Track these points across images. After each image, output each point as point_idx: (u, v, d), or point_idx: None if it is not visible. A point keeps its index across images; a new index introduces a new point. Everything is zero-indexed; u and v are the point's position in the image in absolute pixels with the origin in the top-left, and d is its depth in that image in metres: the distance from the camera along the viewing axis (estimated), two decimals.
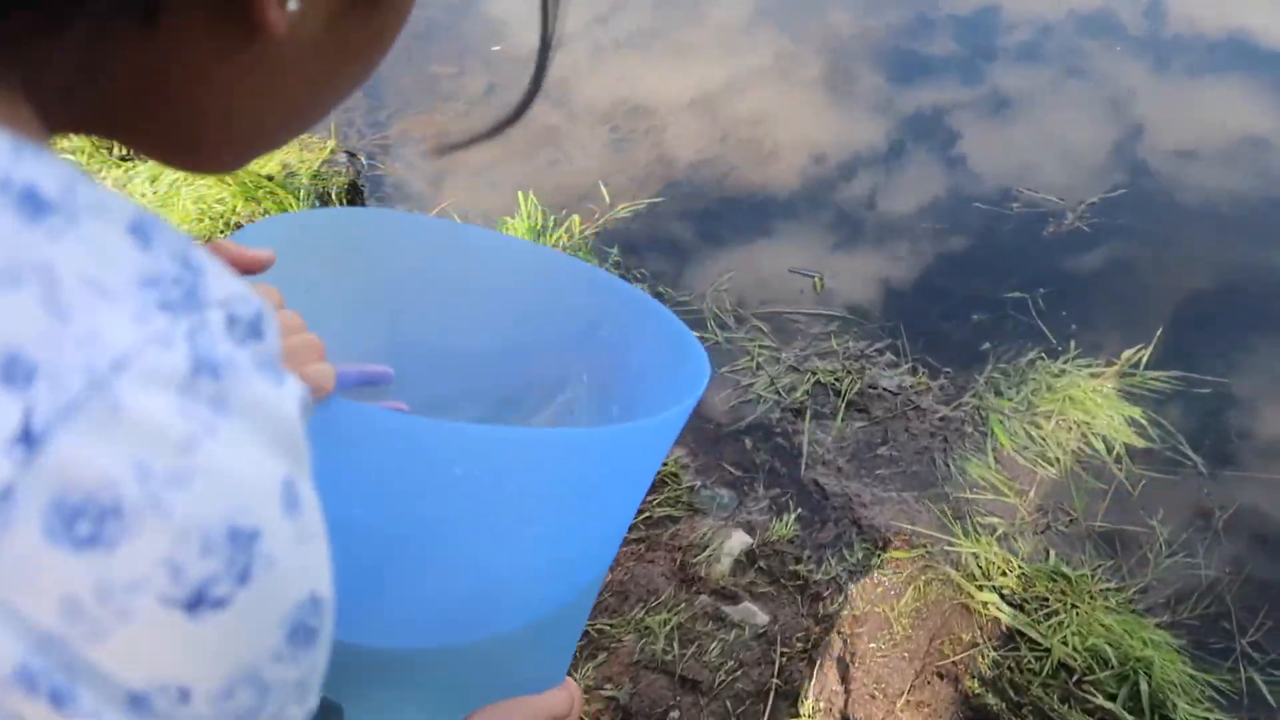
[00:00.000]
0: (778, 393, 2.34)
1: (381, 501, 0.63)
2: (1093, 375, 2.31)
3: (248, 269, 0.59)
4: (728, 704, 1.76)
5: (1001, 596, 1.89)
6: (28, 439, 0.25)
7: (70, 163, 0.29)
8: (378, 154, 3.18)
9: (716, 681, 1.79)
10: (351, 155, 3.08)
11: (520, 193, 2.69)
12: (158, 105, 0.35)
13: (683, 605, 1.91)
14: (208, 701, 0.29)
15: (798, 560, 2.01)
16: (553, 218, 2.73)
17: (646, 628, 1.86)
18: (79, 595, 0.26)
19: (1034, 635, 1.80)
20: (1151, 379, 2.29)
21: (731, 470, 2.19)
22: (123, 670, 0.28)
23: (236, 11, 0.32)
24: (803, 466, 2.19)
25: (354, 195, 2.92)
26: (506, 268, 0.84)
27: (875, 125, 3.13)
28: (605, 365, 0.84)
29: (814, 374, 2.36)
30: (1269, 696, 1.78)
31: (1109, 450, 2.17)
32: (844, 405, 2.29)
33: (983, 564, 1.94)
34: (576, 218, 2.76)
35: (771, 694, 1.77)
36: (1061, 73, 3.26)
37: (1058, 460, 2.16)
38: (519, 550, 0.69)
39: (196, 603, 0.28)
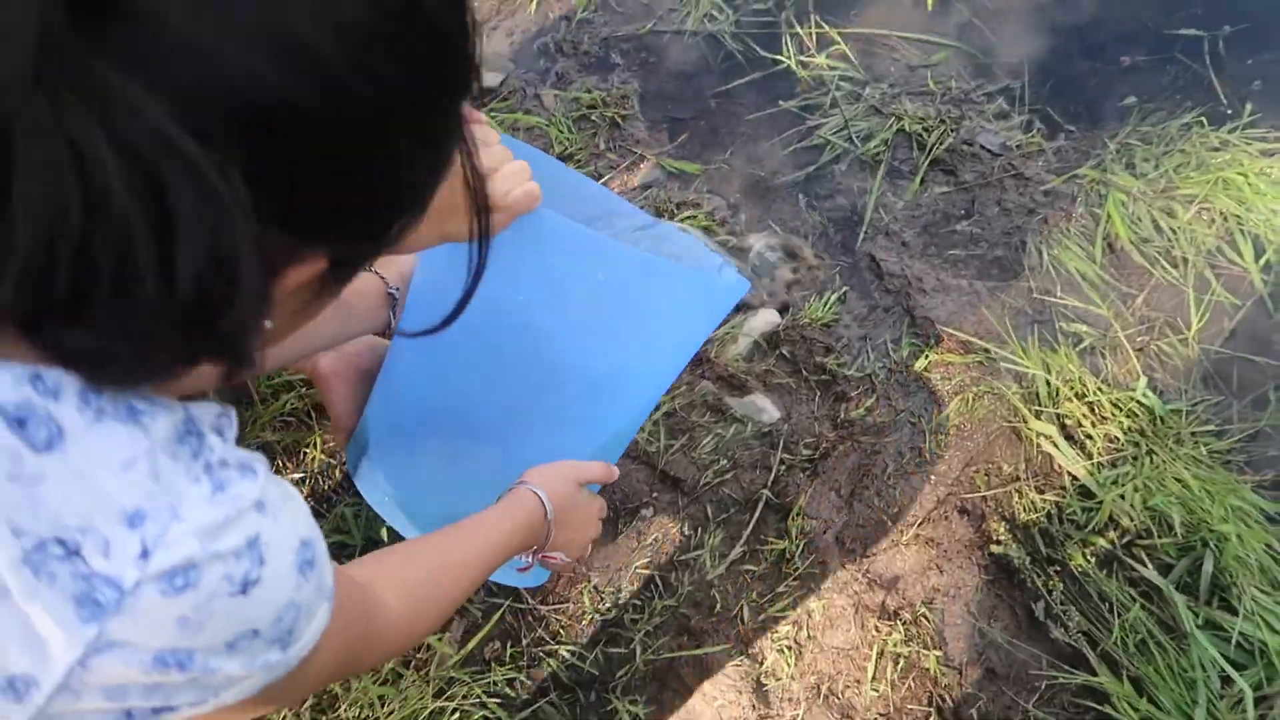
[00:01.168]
0: (850, 139, 1.91)
1: (555, 284, 1.06)
2: (1265, 153, 1.78)
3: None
4: (708, 508, 1.55)
5: (1063, 428, 1.55)
6: (144, 554, 0.45)
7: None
8: None
9: (701, 481, 1.56)
10: None
11: None
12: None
13: (682, 389, 1.66)
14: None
15: (829, 350, 1.70)
16: None
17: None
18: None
19: (1088, 482, 1.48)
20: None
21: (776, 229, 1.84)
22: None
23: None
24: (861, 236, 1.81)
25: None
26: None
27: None
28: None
29: (899, 119, 1.90)
30: None
31: (1258, 256, 1.70)
32: (926, 163, 1.85)
33: (1052, 384, 1.59)
34: None
35: (760, 505, 1.54)
36: None
37: (1185, 260, 1.71)
38: (622, 345, 1.11)
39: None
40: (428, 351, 1.11)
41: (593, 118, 1.98)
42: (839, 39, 2.02)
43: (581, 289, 1.09)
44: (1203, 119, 1.84)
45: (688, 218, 1.82)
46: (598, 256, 1.07)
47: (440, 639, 1.42)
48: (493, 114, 1.99)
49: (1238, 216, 1.72)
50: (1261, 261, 1.69)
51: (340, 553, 1.46)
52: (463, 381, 1.16)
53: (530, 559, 1.02)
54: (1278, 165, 1.75)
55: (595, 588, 1.48)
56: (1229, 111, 1.85)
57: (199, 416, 0.50)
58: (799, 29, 2.04)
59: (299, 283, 0.48)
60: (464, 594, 0.87)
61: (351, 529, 1.47)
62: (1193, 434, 1.54)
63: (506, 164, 0.96)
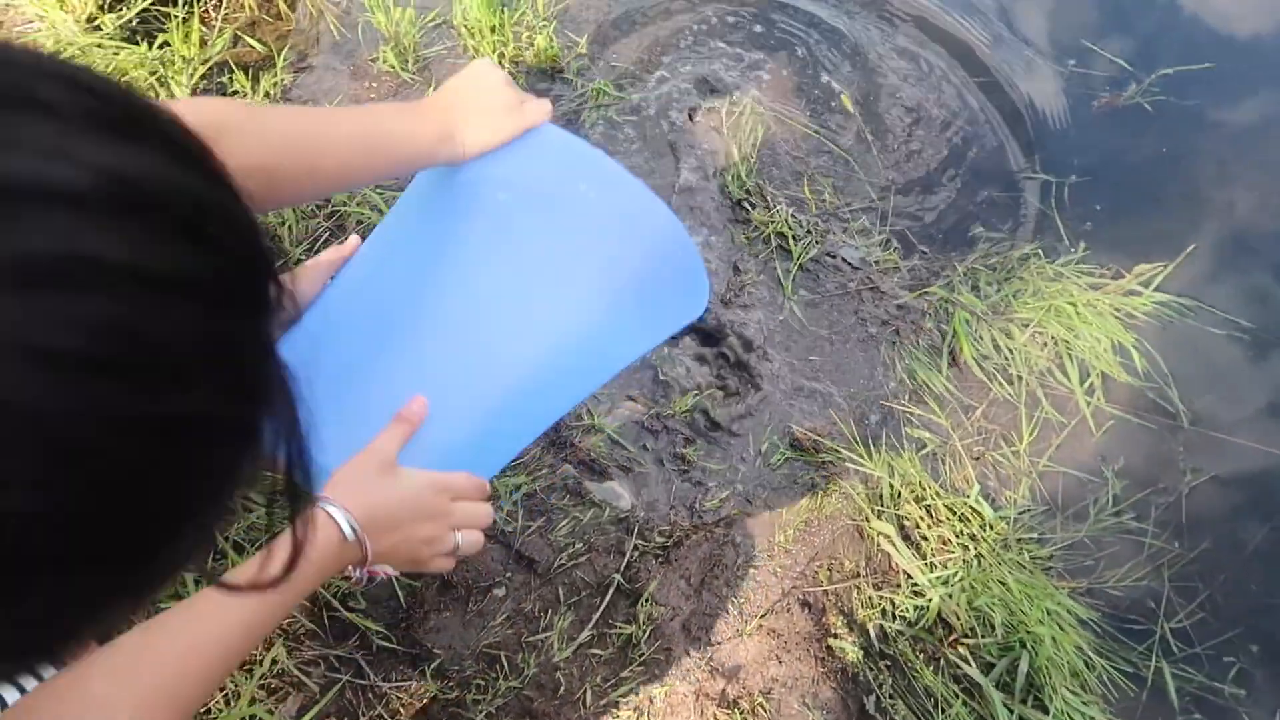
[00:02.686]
0: (730, 220, 2.01)
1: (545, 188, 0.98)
2: (1091, 286, 1.95)
3: None
4: (560, 590, 1.57)
5: (901, 528, 1.64)
6: None
7: None
8: None
9: (555, 564, 1.58)
10: None
11: None
12: None
13: (544, 472, 1.68)
14: None
15: (689, 442, 1.76)
16: None
17: (495, 490, 1.65)
18: None
19: (920, 581, 1.56)
20: (1158, 304, 1.93)
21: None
22: None
23: None
24: (729, 332, 1.90)
25: None
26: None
27: None
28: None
29: (773, 224, 2.02)
30: (1173, 695, 1.55)
31: (1083, 379, 1.85)
32: (796, 269, 1.96)
33: (894, 487, 1.68)
34: None
35: (611, 589, 1.57)
36: None
37: (1019, 379, 1.85)
38: (589, 290, 0.98)
39: None
40: (396, 228, 1.04)
41: None
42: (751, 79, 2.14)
43: (565, 198, 0.97)
44: (1040, 251, 2.01)
45: None
46: (589, 170, 0.97)
47: (274, 713, 1.38)
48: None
49: (1067, 342, 1.87)
50: (1086, 384, 1.84)
51: None
52: (412, 278, 1.01)
53: (358, 572, 0.87)
54: (1103, 298, 1.92)
55: (440, 666, 1.47)
56: (1065, 247, 2.03)
57: None
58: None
59: None
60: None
61: None
62: (1018, 540, 1.64)
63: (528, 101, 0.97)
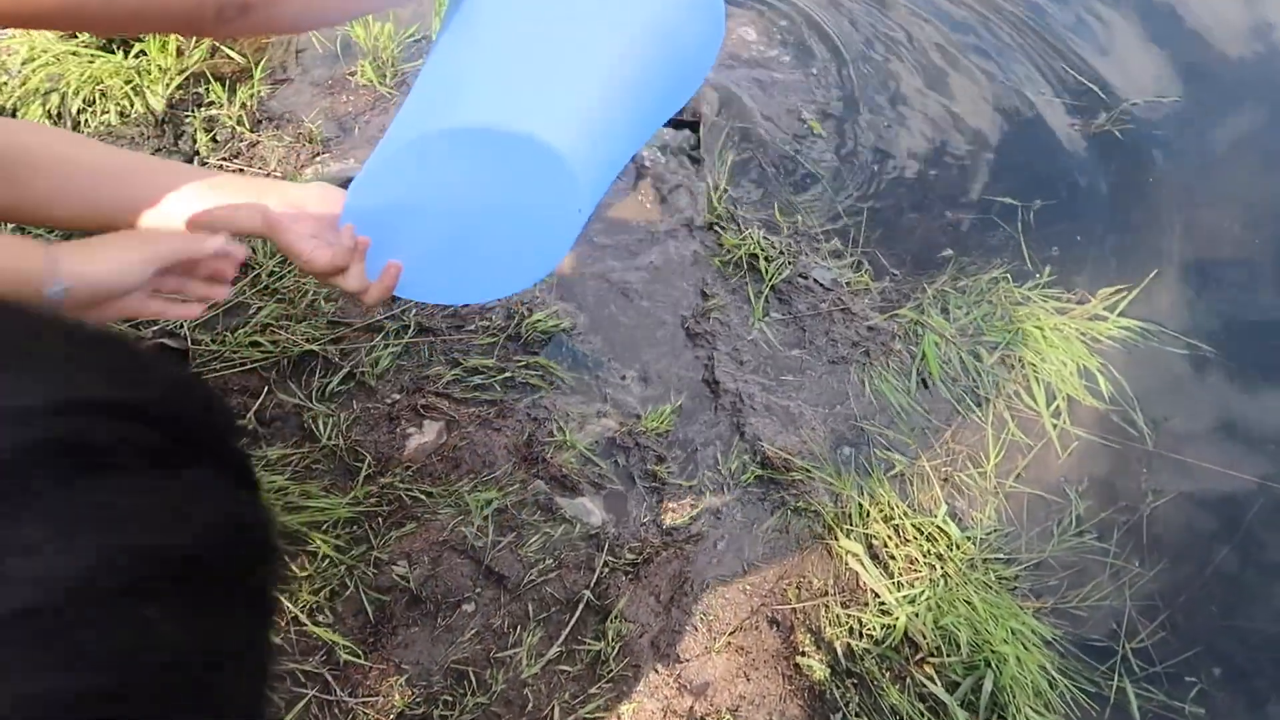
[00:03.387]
0: (702, 244, 2.03)
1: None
2: (1058, 310, 1.99)
3: None
4: (529, 606, 1.57)
5: (870, 547, 1.65)
6: None
7: None
8: None
9: (525, 580, 1.58)
10: None
11: None
12: None
13: (516, 487, 1.69)
14: None
15: (660, 459, 1.77)
16: None
17: (466, 505, 1.65)
18: None
19: (888, 600, 1.58)
20: (1123, 328, 1.97)
21: (610, 340, 1.92)
22: None
23: None
24: (703, 356, 1.91)
25: None
26: None
27: None
28: None
29: (745, 246, 2.04)
30: (1135, 714, 1.57)
31: (1049, 402, 1.88)
32: (767, 290, 1.98)
33: (863, 506, 1.70)
34: None
35: (581, 605, 1.57)
36: None
37: (987, 401, 1.88)
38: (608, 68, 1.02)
39: None
40: None
41: None
42: (727, 120, 2.16)
43: None
44: (1009, 275, 2.04)
45: (538, 321, 1.89)
46: None
47: None
48: None
49: (1034, 365, 1.90)
50: (1051, 407, 1.87)
51: None
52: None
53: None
54: (1069, 323, 1.95)
55: (407, 681, 1.46)
56: (1032, 271, 2.07)
57: None
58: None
59: None
60: None
61: None
62: (984, 560, 1.66)
63: None
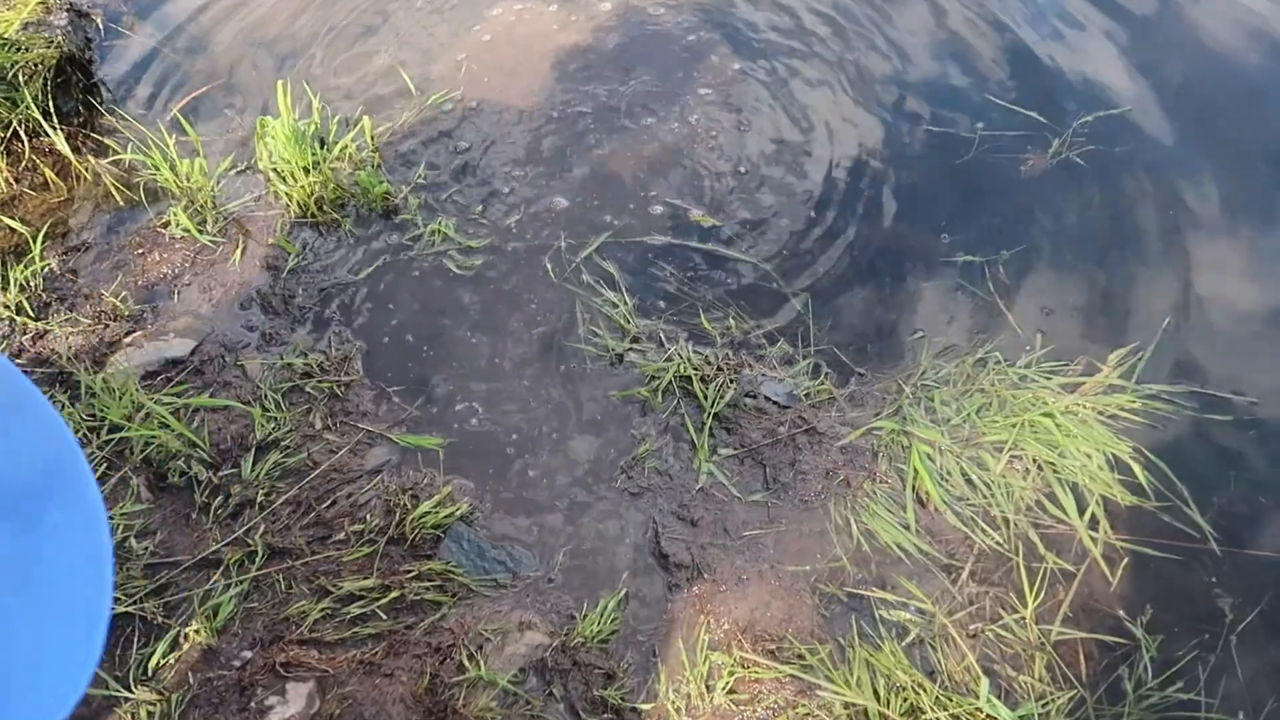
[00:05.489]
0: (619, 376, 1.62)
1: None
2: (1066, 388, 1.61)
3: None
4: None
5: None
6: None
7: None
8: (124, 14, 2.33)
9: None
10: (80, 14, 2.22)
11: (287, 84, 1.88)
12: None
13: None
14: None
15: (610, 678, 1.33)
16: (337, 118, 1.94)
17: None
18: None
19: None
20: (1147, 398, 1.60)
21: (524, 519, 1.50)
22: None
23: None
24: (644, 522, 1.50)
25: (69, 73, 2.08)
26: None
27: None
28: None
29: (674, 367, 1.64)
30: None
31: (1081, 510, 1.49)
32: (709, 420, 1.58)
33: (881, 694, 1.28)
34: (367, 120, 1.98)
35: None
36: None
37: (1006, 521, 1.48)
38: None
39: None
40: None
41: (307, 389, 1.62)
42: (598, 257, 1.77)
43: None
44: (997, 352, 1.67)
45: (425, 515, 1.46)
46: None
47: None
48: (180, 391, 1.58)
49: (1052, 464, 1.52)
50: (1086, 516, 1.48)
51: None
52: None
53: None
54: (1082, 402, 1.58)
55: None
56: (1023, 338, 1.70)
57: None
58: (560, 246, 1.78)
59: None
60: None
61: None
62: None
63: None
